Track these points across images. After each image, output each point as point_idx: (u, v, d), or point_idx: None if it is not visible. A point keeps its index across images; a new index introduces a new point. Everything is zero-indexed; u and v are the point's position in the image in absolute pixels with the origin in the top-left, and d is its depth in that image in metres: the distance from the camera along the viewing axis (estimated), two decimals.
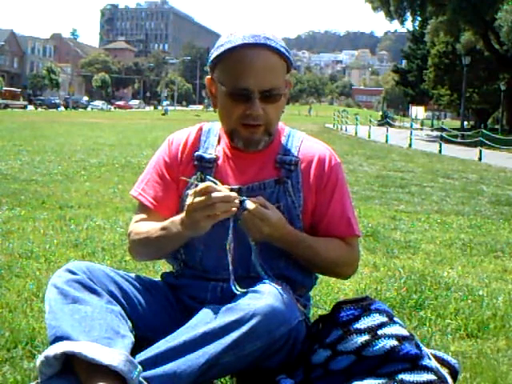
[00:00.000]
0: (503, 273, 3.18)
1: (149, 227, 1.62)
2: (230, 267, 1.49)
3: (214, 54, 1.57)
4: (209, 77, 1.63)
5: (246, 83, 1.50)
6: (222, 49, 1.53)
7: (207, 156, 1.67)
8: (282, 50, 1.54)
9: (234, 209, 1.44)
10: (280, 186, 1.63)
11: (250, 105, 1.52)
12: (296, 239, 1.58)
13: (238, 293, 1.46)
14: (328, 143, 1.83)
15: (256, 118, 1.54)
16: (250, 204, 1.47)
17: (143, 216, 1.68)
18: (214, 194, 1.42)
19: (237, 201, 1.45)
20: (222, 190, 1.44)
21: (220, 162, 1.66)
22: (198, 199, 1.43)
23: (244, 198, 1.48)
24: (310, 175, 1.66)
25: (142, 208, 1.70)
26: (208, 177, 1.61)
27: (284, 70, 1.58)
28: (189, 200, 1.46)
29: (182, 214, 1.50)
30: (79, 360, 1.31)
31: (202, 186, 1.45)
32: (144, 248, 1.66)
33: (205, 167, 1.66)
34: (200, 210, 1.43)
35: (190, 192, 1.47)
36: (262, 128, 1.57)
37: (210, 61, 1.59)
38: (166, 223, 1.58)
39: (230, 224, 1.49)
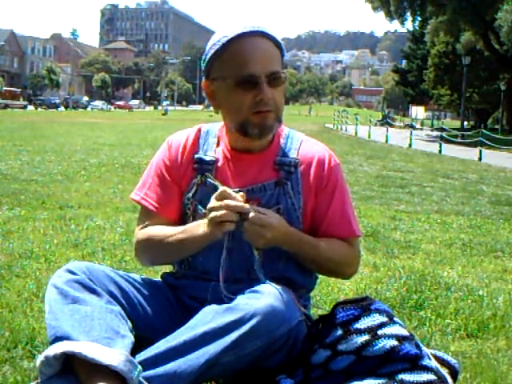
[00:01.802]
0: (503, 273, 3.18)
1: (165, 230, 1.62)
2: (221, 282, 1.52)
3: (209, 53, 1.56)
4: (204, 80, 1.62)
5: (251, 69, 1.51)
6: (219, 44, 1.53)
7: (207, 158, 1.67)
8: (278, 39, 1.57)
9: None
10: (280, 187, 1.62)
11: (259, 90, 1.52)
12: (298, 239, 1.58)
13: (232, 296, 1.47)
14: (328, 143, 1.84)
15: (267, 103, 1.53)
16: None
17: (148, 220, 1.68)
18: (226, 202, 1.45)
19: (251, 213, 1.46)
20: (237, 198, 1.47)
21: (220, 163, 1.66)
22: (214, 203, 1.48)
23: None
24: (309, 176, 1.65)
25: (146, 212, 1.69)
26: (208, 179, 1.61)
27: (280, 60, 1.59)
28: (210, 204, 1.49)
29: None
30: (79, 360, 1.31)
31: (219, 190, 1.48)
32: (158, 252, 1.65)
33: (205, 169, 1.65)
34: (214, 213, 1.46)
35: (213, 196, 1.50)
36: (272, 114, 1.56)
37: (205, 62, 1.58)
38: (188, 226, 1.59)
39: (225, 237, 1.52)
